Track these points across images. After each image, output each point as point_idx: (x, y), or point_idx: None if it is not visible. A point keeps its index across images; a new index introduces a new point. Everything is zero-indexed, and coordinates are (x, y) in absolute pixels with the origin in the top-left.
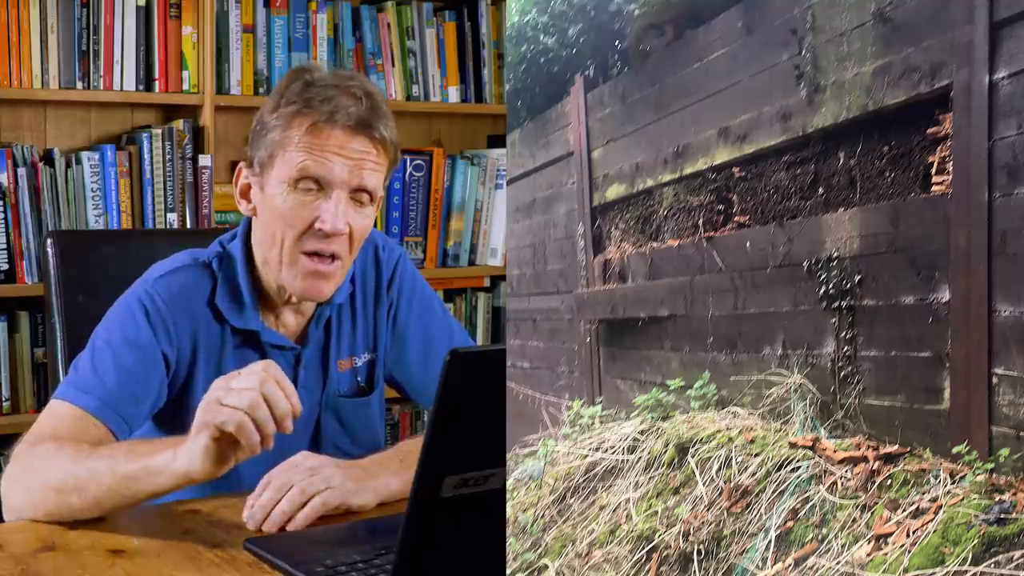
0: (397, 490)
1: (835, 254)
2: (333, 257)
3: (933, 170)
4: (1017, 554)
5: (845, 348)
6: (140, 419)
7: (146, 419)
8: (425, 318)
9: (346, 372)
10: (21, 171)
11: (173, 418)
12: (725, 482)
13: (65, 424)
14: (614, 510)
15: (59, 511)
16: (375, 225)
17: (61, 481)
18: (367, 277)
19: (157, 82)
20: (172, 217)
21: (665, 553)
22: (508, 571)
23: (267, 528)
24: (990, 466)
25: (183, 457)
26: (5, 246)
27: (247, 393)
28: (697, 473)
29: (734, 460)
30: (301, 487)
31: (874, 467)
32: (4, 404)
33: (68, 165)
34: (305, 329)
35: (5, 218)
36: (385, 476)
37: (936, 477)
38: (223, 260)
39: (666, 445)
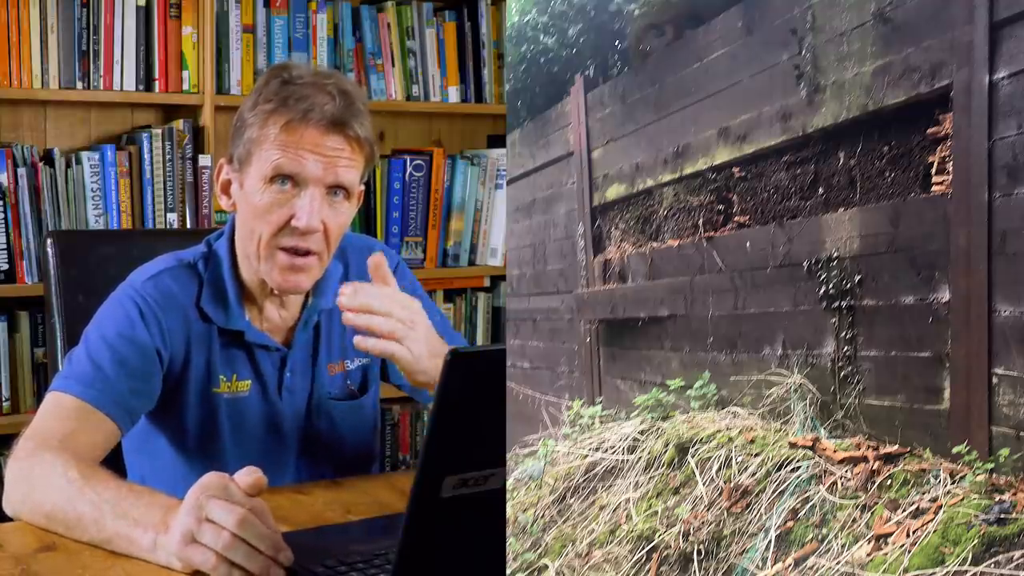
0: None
1: (835, 254)
2: (309, 252)
3: (933, 170)
4: (1017, 554)
5: (845, 348)
6: (139, 414)
7: (143, 414)
8: None
9: (337, 375)
10: (21, 171)
11: (168, 416)
12: (725, 482)
13: (69, 422)
14: (614, 510)
15: (51, 531)
16: (375, 234)
17: (52, 510)
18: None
19: (157, 82)
20: (172, 217)
21: (665, 553)
22: (508, 571)
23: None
24: (990, 466)
25: (162, 554)
26: (5, 246)
27: (223, 534)
28: (697, 473)
29: (734, 460)
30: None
31: (874, 467)
32: (4, 404)
33: (68, 165)
34: (292, 331)
35: (5, 218)
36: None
37: (936, 477)
38: (209, 260)
39: (666, 445)
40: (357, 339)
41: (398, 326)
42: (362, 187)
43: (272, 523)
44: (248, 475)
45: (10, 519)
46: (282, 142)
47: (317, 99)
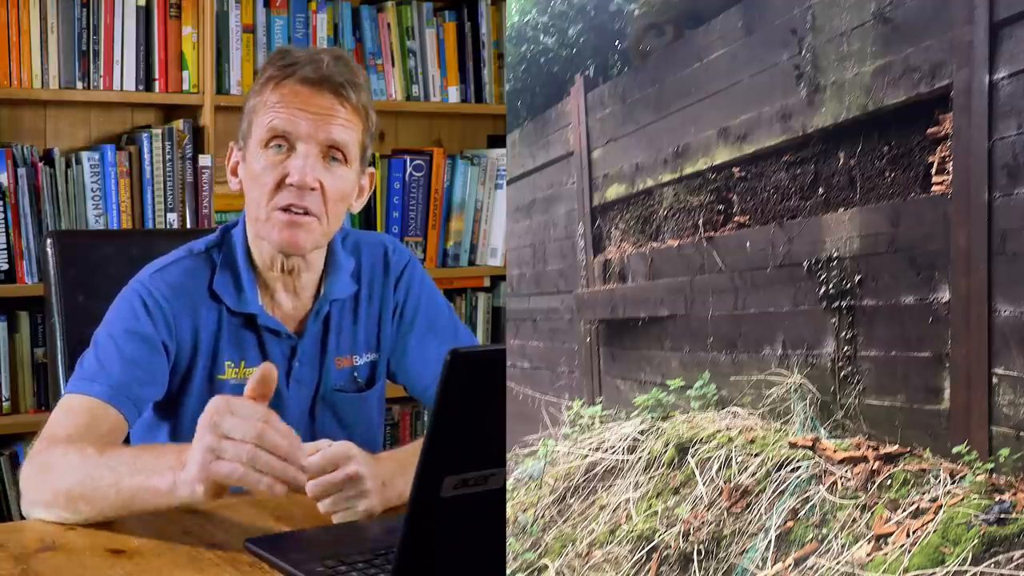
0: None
1: (835, 254)
2: (307, 212)
3: (933, 170)
4: (1017, 554)
5: (845, 348)
6: (146, 402)
7: (150, 403)
8: (431, 319)
9: (344, 370)
10: (21, 171)
11: (171, 405)
12: (725, 482)
13: (78, 419)
14: (614, 510)
15: (71, 517)
16: (377, 227)
17: (70, 488)
18: (375, 277)
19: (157, 82)
20: (172, 217)
21: (665, 553)
22: (508, 571)
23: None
24: (990, 466)
25: (184, 488)
26: (5, 246)
27: (246, 447)
28: (697, 473)
29: (734, 460)
30: (335, 500)
31: (874, 467)
32: (4, 404)
33: (68, 165)
34: (303, 321)
35: (5, 218)
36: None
37: (936, 477)
38: (223, 246)
39: (666, 445)
40: (335, 519)
41: (343, 501)
42: (372, 170)
43: (286, 427)
44: (260, 370)
45: (10, 519)
46: (274, 103)
47: (309, 63)
